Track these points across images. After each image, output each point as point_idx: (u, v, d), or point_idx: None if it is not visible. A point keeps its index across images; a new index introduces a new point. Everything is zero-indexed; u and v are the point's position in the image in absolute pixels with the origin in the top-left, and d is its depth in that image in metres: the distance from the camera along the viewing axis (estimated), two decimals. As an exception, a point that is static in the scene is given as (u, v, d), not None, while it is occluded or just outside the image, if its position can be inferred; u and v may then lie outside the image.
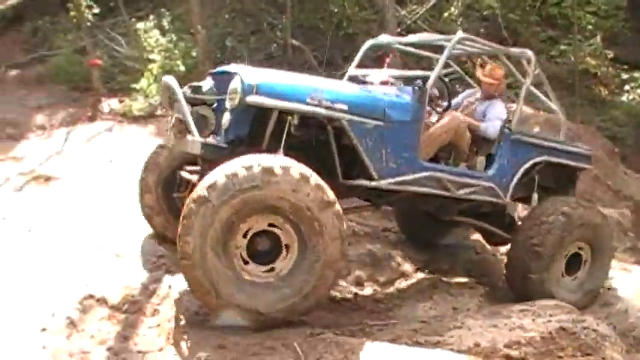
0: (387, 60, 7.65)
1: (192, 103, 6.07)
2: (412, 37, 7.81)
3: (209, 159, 5.80)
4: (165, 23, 13.18)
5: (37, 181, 8.86)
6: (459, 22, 13.65)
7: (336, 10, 13.65)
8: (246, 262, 5.40)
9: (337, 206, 5.41)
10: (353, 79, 7.27)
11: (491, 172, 6.93)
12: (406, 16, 13.87)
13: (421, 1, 14.23)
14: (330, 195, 5.38)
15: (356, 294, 7.21)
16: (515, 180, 7.06)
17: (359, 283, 7.45)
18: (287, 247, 5.46)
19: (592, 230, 7.18)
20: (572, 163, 7.53)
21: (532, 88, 7.50)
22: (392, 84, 6.75)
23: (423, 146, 6.47)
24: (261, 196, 5.21)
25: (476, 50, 7.44)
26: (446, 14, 13.91)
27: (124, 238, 6.98)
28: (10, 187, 8.71)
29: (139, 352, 5.23)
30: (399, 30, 13.11)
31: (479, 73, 7.44)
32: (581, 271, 7.31)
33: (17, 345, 5.04)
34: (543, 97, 7.86)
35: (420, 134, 6.38)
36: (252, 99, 5.67)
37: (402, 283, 7.70)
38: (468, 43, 7.14)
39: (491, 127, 7.07)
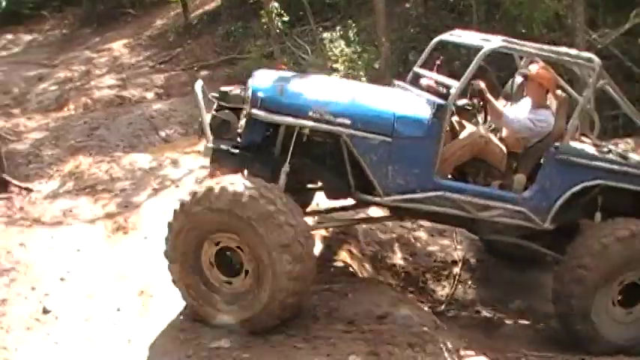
0: (437, 62, 6.87)
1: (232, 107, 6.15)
2: (484, 40, 6.57)
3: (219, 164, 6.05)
4: (350, 34, 13.45)
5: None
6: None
7: (524, 30, 13.34)
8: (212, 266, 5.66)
9: (295, 248, 5.37)
10: (415, 78, 6.75)
11: (527, 193, 6.22)
12: (597, 40, 13.32)
13: (615, 24, 13.59)
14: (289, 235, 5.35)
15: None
16: (558, 204, 6.18)
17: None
18: (247, 271, 5.59)
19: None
20: None
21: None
22: (435, 90, 6.27)
23: (441, 162, 6.10)
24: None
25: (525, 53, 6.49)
26: (641, 40, 13.19)
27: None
28: (192, 179, 9.23)
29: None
30: (588, 54, 12.63)
31: (527, 69, 6.72)
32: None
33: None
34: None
35: (437, 150, 5.99)
36: (255, 112, 5.81)
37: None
38: (509, 48, 6.28)
39: (516, 121, 6.37)
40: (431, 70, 6.73)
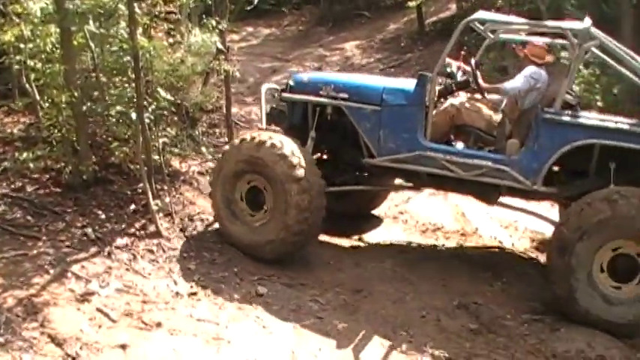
0: (462, 52, 7.34)
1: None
2: (512, 19, 7.14)
3: None
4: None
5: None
6: None
7: None
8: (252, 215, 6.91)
9: (303, 182, 6.52)
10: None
11: (515, 155, 6.43)
12: None
13: None
14: (299, 172, 6.52)
15: None
16: (547, 165, 6.30)
17: None
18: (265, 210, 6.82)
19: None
20: None
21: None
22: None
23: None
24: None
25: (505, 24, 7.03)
26: None
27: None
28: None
29: None
30: None
31: (519, 51, 6.88)
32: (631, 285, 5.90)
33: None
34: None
35: (421, 116, 6.69)
36: (284, 95, 7.41)
37: None
38: (491, 19, 6.93)
39: (509, 83, 6.66)
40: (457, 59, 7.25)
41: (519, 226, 8.12)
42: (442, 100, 7.00)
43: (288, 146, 6.64)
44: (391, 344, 5.64)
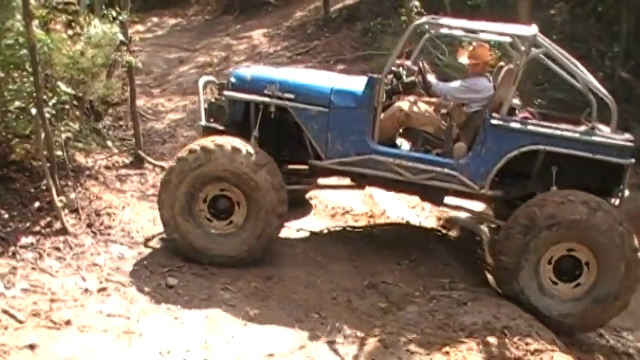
0: (407, 50, 7.46)
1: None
2: (460, 23, 7.10)
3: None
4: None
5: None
6: None
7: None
8: (210, 220, 6.59)
9: (269, 166, 6.43)
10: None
11: (463, 159, 6.54)
12: None
13: None
14: (261, 159, 6.40)
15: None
16: (494, 170, 6.46)
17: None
18: (238, 203, 6.55)
19: (581, 229, 6.07)
20: (588, 155, 6.26)
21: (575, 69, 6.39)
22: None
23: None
24: (206, 171, 6.42)
25: (457, 33, 7.16)
26: None
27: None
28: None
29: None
30: None
31: (462, 57, 6.98)
32: (586, 276, 6.23)
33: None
34: (587, 79, 6.52)
35: (369, 119, 6.65)
36: (226, 93, 7.02)
37: None
38: (439, 24, 6.92)
39: (443, 86, 6.86)
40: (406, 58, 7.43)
41: (426, 205, 8.31)
42: (389, 100, 6.97)
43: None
44: (304, 327, 5.70)
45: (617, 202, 6.48)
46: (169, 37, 18.84)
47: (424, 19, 7.01)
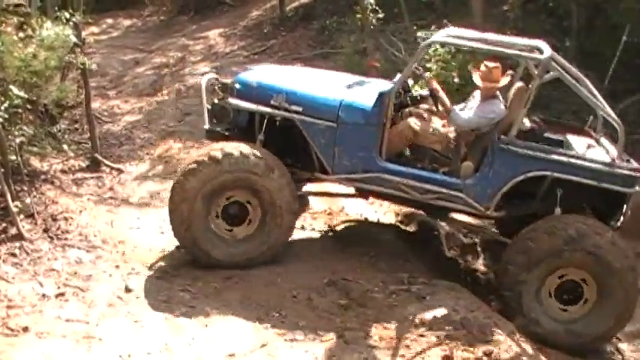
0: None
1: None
2: (473, 43, 6.77)
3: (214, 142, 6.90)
4: (445, 34, 13.25)
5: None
6: None
7: (625, 38, 12.88)
8: (230, 230, 6.63)
9: (279, 167, 6.49)
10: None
11: (470, 180, 6.52)
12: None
13: None
14: (271, 162, 6.45)
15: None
16: (501, 193, 6.45)
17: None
18: (250, 206, 6.61)
19: (593, 259, 6.14)
20: (593, 183, 6.31)
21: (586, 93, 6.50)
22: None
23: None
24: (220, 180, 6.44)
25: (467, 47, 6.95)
26: None
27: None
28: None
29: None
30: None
31: (475, 76, 6.72)
32: (577, 307, 6.36)
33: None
34: (598, 102, 6.63)
35: (378, 136, 6.56)
36: (231, 101, 6.86)
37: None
38: (455, 42, 6.81)
39: (460, 117, 6.64)
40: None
41: (384, 202, 8.37)
42: (396, 113, 6.89)
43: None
44: (264, 326, 5.72)
45: (618, 224, 6.58)
46: (124, 39, 18.67)
47: (441, 36, 6.81)
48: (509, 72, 6.94)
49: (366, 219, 8.06)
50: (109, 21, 20.43)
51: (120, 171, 8.95)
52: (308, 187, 7.65)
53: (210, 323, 5.70)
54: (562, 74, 6.51)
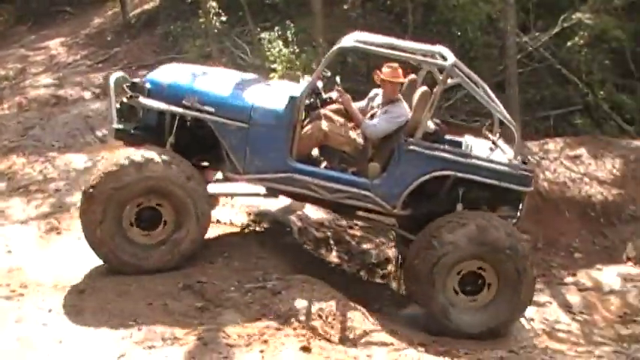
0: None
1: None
2: (379, 48, 6.99)
3: (123, 141, 7.07)
4: (289, 35, 13.51)
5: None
6: (583, 52, 13.33)
7: (459, 33, 13.61)
8: (147, 235, 6.70)
9: (195, 174, 6.64)
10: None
11: (377, 180, 6.85)
12: (527, 43, 13.69)
13: (545, 28, 13.96)
14: (187, 168, 6.57)
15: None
16: (407, 192, 6.83)
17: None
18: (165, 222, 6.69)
19: (490, 249, 6.64)
20: (494, 182, 6.83)
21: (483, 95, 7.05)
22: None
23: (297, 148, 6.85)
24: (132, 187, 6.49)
25: (377, 53, 7.01)
26: (569, 43, 13.57)
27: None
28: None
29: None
30: (519, 56, 12.96)
31: (376, 76, 7.12)
32: (484, 294, 6.85)
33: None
34: (496, 106, 7.21)
35: (288, 137, 6.77)
36: (141, 100, 6.80)
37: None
38: (364, 47, 6.94)
39: (372, 126, 6.96)
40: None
41: (235, 202, 8.48)
42: (306, 115, 7.07)
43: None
44: (121, 336, 5.66)
45: (515, 221, 7.08)
46: (-42, 52, 17.77)
47: (350, 42, 6.95)
48: (412, 75, 7.34)
49: (217, 220, 8.13)
50: (-64, 34, 19.39)
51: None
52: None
53: (65, 339, 5.59)
54: (463, 80, 6.88)
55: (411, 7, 13.54)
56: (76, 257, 6.98)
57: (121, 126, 6.96)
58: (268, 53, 12.96)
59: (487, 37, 13.66)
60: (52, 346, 5.50)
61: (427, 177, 6.77)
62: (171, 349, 5.56)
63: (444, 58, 6.93)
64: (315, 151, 7.16)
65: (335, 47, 6.90)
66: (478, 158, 6.92)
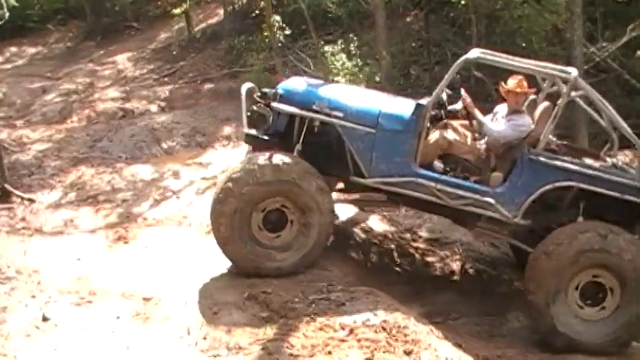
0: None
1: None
2: (504, 60, 7.08)
3: (252, 145, 7.33)
4: (352, 48, 13.53)
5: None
6: (653, 63, 12.98)
7: (524, 44, 13.41)
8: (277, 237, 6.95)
9: (319, 177, 6.82)
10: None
11: (499, 188, 6.91)
12: (595, 53, 13.39)
13: (613, 37, 13.65)
14: (312, 170, 6.81)
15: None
16: (528, 201, 6.86)
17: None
18: (292, 221, 6.93)
19: (609, 257, 6.60)
20: (616, 195, 6.77)
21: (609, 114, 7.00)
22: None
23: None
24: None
25: (503, 65, 7.01)
26: (639, 53, 13.21)
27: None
28: (193, 190, 9.32)
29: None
30: (586, 67, 12.69)
31: (501, 88, 7.14)
32: (609, 301, 6.75)
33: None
34: (617, 121, 7.09)
35: (414, 143, 6.92)
36: (274, 105, 7.11)
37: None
38: (488, 59, 7.00)
39: (496, 130, 6.99)
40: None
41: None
42: (430, 125, 7.17)
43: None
44: (188, 344, 5.74)
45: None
46: (31, 67, 18.30)
47: (475, 53, 7.06)
48: (533, 95, 7.32)
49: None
50: (13, 49, 19.99)
51: (31, 200, 8.80)
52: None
53: (132, 345, 5.68)
54: (589, 91, 6.96)
55: (474, 19, 13.38)
56: (143, 266, 7.10)
57: (252, 131, 7.21)
58: (332, 66, 13.01)
59: (552, 48, 13.38)
60: (120, 352, 5.60)
61: (549, 187, 6.82)
62: (235, 358, 5.60)
63: (567, 73, 6.97)
64: (438, 162, 7.22)
65: (460, 59, 6.98)
66: (601, 170, 6.92)
